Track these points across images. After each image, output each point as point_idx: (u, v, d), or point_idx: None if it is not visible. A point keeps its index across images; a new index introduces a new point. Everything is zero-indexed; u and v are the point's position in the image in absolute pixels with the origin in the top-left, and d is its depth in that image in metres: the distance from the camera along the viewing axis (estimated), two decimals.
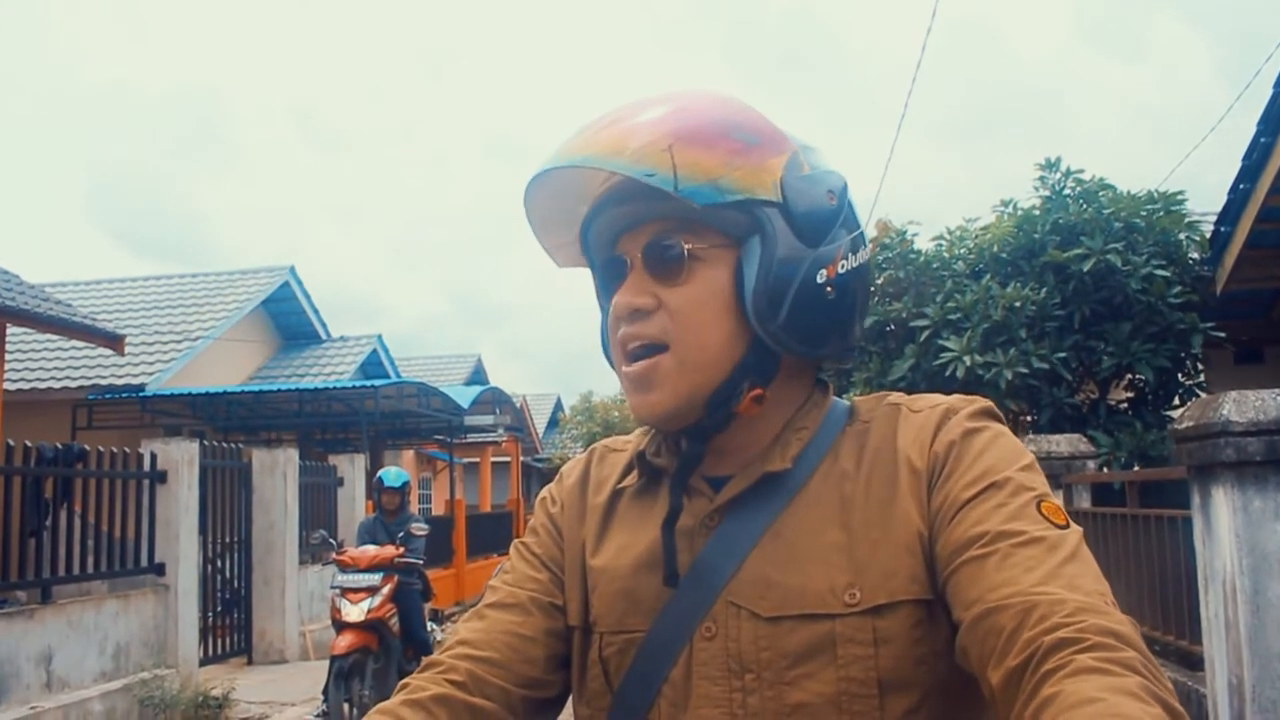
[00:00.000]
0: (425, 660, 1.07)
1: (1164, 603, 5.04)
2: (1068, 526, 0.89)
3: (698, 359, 0.99)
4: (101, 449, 7.88)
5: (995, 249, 9.06)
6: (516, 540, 1.18)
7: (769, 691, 0.94)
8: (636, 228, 1.02)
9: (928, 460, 0.98)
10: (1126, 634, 0.78)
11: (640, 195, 0.99)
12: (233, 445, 10.61)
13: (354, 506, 12.56)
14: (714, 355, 1.00)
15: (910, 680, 0.93)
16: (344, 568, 7.16)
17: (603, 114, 1.03)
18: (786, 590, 0.96)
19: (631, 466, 1.14)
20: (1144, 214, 8.53)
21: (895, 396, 1.08)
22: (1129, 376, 8.77)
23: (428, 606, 7.95)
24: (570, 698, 1.10)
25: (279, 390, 14.08)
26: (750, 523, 1.00)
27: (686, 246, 0.99)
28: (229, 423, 14.58)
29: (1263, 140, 6.73)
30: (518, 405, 23.30)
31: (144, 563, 8.09)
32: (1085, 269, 8.13)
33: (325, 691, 6.84)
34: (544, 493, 1.20)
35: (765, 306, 0.98)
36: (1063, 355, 8.15)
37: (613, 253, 1.05)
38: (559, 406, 37.78)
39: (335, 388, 14.44)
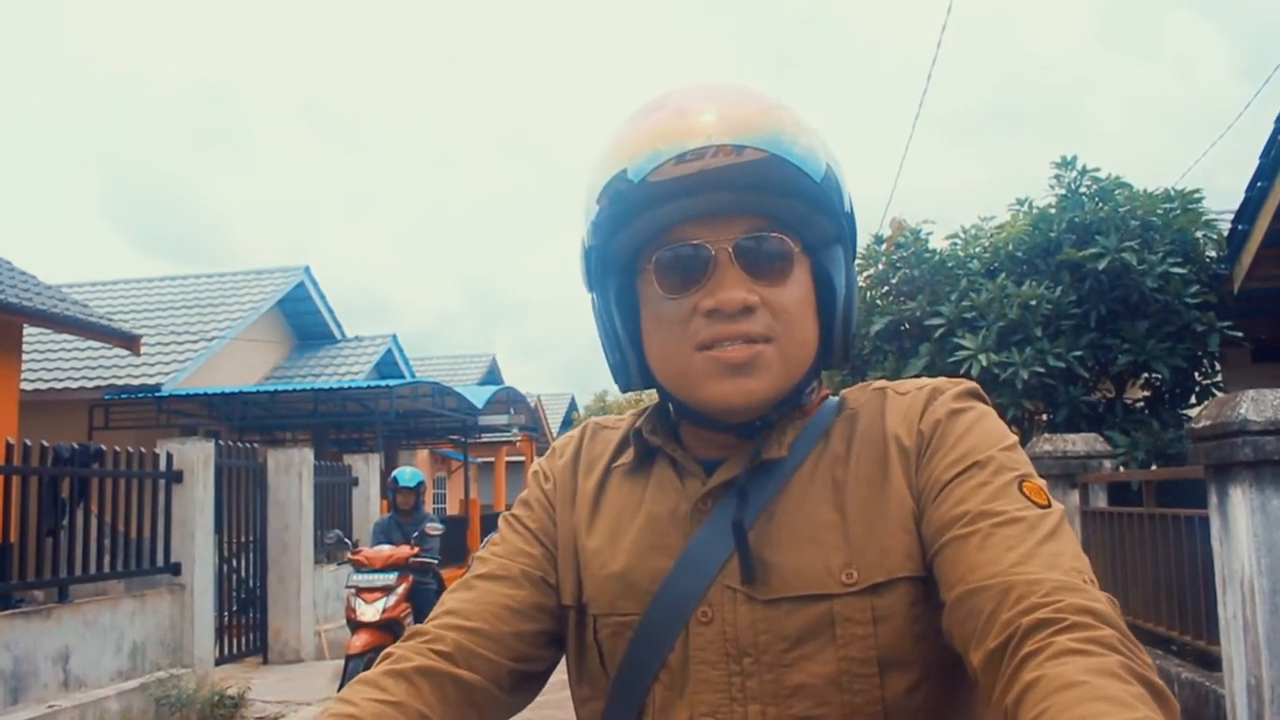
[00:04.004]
0: (410, 629, 1.05)
1: (1181, 603, 5.01)
2: (1049, 506, 0.90)
3: (799, 355, 1.00)
4: (118, 449, 7.92)
5: (1010, 247, 9.02)
6: (506, 513, 1.17)
7: (768, 674, 0.94)
8: (716, 219, 0.97)
9: (915, 439, 0.99)
10: (1104, 611, 0.78)
11: (731, 185, 0.95)
12: (248, 445, 10.66)
13: (369, 506, 12.59)
14: (809, 353, 1.02)
15: (910, 658, 0.93)
16: (359, 567, 7.19)
17: (686, 95, 0.98)
18: (783, 572, 0.96)
19: (626, 444, 1.13)
20: (1160, 212, 8.48)
21: (880, 382, 1.09)
22: (1145, 375, 8.72)
23: None
24: (552, 673, 1.10)
25: (294, 390, 14.14)
26: (744, 506, 0.99)
27: (794, 247, 0.99)
28: (244, 423, 14.64)
29: None
30: (532, 405, 23.31)
31: (160, 562, 8.13)
32: (1101, 267, 8.09)
33: (340, 691, 6.86)
34: (536, 466, 1.19)
35: (850, 316, 1.03)
36: (1079, 354, 8.11)
37: (673, 243, 0.98)
38: (573, 406, 37.86)
39: (350, 387, 14.49)
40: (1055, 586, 0.80)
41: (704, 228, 0.97)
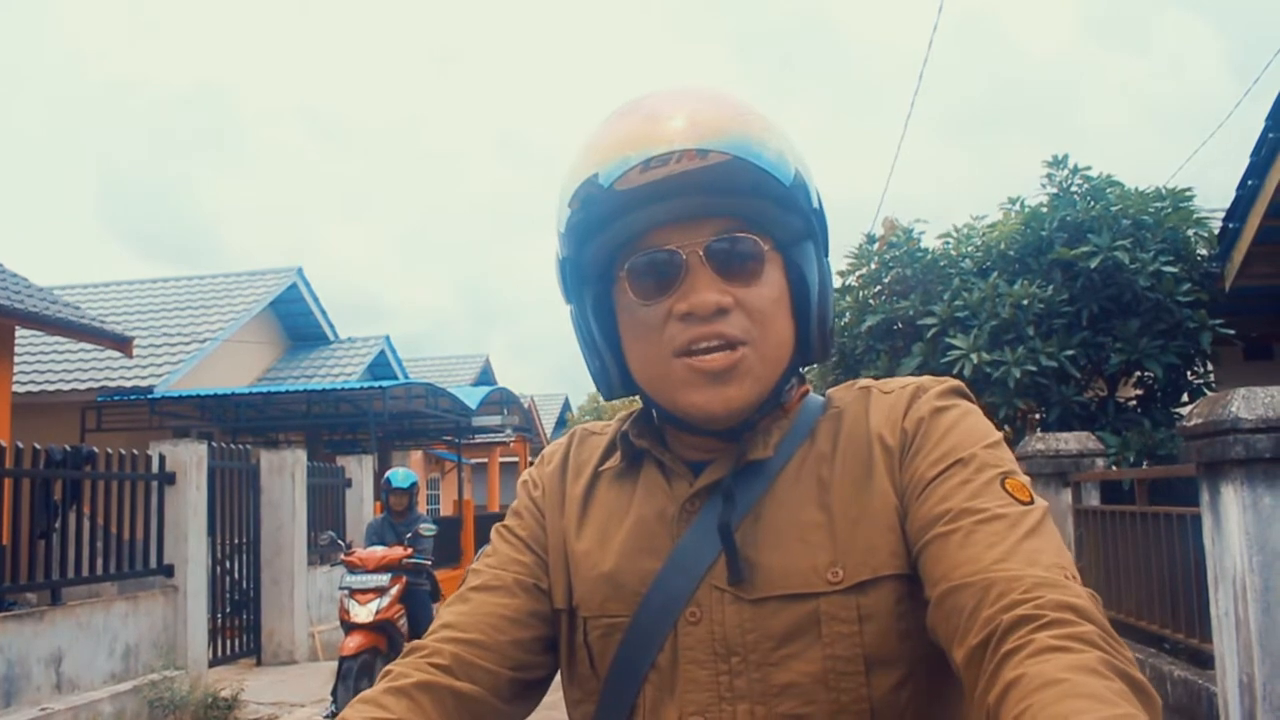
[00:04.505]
0: (408, 645, 1.05)
1: (1174, 601, 5.02)
2: (1032, 502, 0.90)
3: (775, 356, 1.01)
4: (110, 451, 7.90)
5: (1003, 246, 9.04)
6: (498, 524, 1.17)
7: (755, 673, 0.95)
8: (686, 223, 0.97)
9: (898, 437, 1.00)
10: (1084, 607, 0.78)
11: (698, 189, 0.95)
12: (241, 447, 10.64)
13: (362, 507, 12.58)
14: (786, 353, 1.02)
15: (896, 656, 0.93)
16: (352, 569, 7.17)
17: (658, 100, 0.99)
18: (769, 571, 0.97)
19: (613, 448, 1.14)
20: (1152, 211, 8.50)
21: (866, 381, 1.10)
22: (1138, 374, 8.74)
23: (436, 607, 7.95)
24: (552, 682, 1.10)
25: (287, 392, 14.10)
26: (730, 508, 1.00)
27: (764, 246, 0.98)
28: (237, 424, 14.61)
29: (1271, 136, 6.70)
30: (525, 406, 23.28)
31: (153, 564, 8.12)
32: (1093, 266, 8.10)
33: (334, 692, 6.86)
34: (525, 475, 1.20)
35: (826, 312, 1.03)
36: (1071, 353, 8.12)
37: (645, 249, 0.98)
38: (567, 406, 37.87)
39: (343, 389, 14.46)
40: (1036, 583, 0.80)
41: (675, 232, 0.97)
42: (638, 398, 1.10)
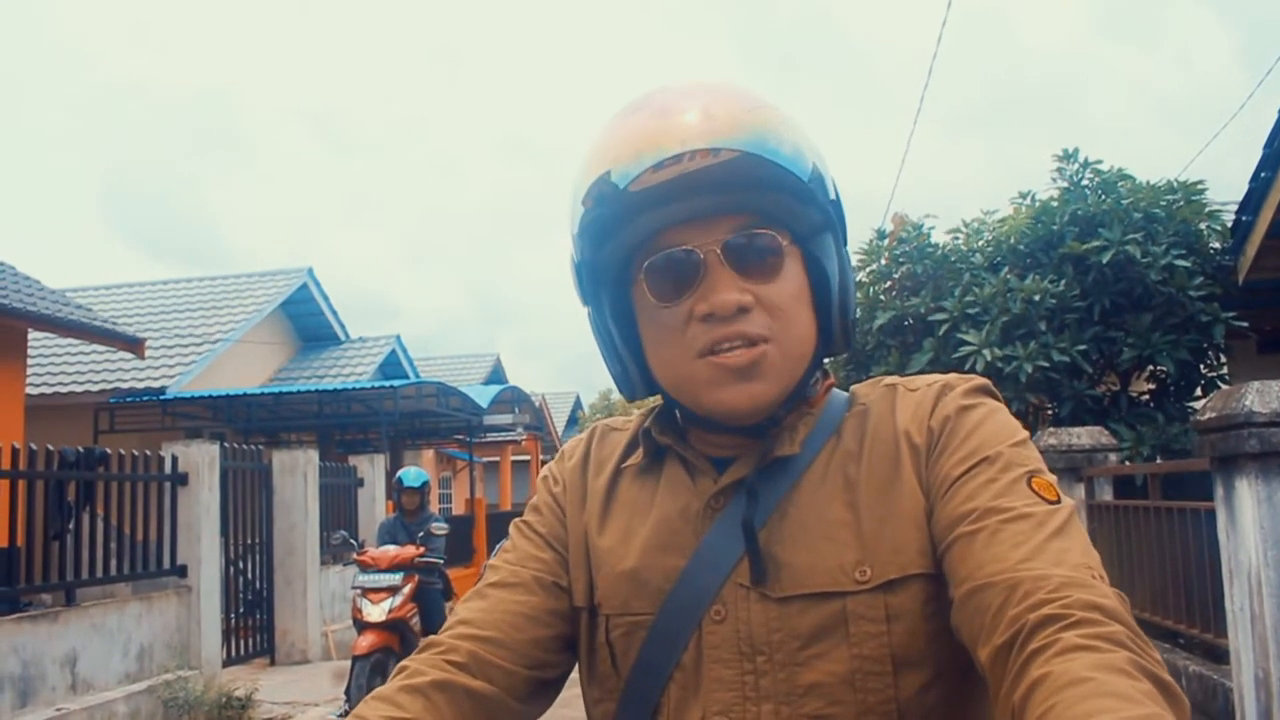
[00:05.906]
0: (425, 640, 1.04)
1: (1188, 596, 5.00)
2: (1058, 501, 0.90)
3: (798, 352, 1.00)
4: (123, 452, 7.93)
5: (1013, 241, 9.00)
6: (517, 519, 1.16)
7: (781, 673, 0.94)
8: (701, 221, 0.96)
9: (925, 435, 0.99)
10: (1112, 608, 0.77)
11: (714, 186, 0.94)
12: (253, 447, 10.66)
13: (374, 507, 12.60)
14: (809, 348, 1.01)
15: (923, 657, 0.92)
16: (365, 568, 7.19)
17: (670, 95, 0.97)
18: (796, 570, 0.96)
19: (635, 445, 1.13)
20: (1163, 204, 8.45)
21: (891, 378, 1.08)
22: (1150, 368, 8.70)
23: (449, 605, 7.97)
24: (567, 680, 1.09)
25: (299, 392, 14.13)
26: (756, 504, 0.99)
27: (783, 241, 0.98)
28: (249, 424, 14.65)
29: None
30: (537, 404, 23.32)
31: (166, 565, 8.15)
32: (1104, 260, 8.07)
33: (348, 691, 6.87)
34: (545, 471, 1.18)
35: (847, 303, 1.02)
36: (1083, 348, 8.09)
37: (661, 249, 0.97)
38: (578, 405, 37.85)
39: (355, 388, 14.48)
40: (1062, 582, 0.79)
41: (691, 231, 0.96)
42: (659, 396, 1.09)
